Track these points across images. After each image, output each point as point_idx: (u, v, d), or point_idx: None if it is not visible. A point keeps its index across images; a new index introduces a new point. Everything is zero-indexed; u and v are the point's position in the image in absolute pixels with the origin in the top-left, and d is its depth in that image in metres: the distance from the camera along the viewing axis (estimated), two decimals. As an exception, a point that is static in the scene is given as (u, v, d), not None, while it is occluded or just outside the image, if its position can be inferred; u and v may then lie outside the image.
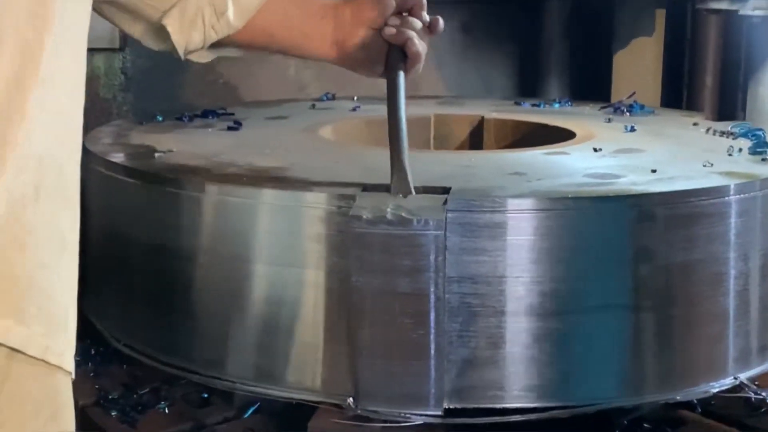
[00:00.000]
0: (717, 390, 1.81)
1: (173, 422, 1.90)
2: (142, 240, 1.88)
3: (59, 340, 1.28)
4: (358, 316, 1.66)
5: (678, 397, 1.77)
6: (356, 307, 1.66)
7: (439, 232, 1.61)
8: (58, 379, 1.25)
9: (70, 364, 1.26)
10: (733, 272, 1.78)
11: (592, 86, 3.23)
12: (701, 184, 1.76)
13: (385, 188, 1.71)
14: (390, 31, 1.80)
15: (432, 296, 1.63)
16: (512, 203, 1.66)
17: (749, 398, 1.99)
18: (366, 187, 1.71)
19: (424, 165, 2.00)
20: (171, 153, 2.01)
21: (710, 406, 1.99)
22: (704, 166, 1.91)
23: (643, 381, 1.76)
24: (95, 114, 2.87)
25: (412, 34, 1.79)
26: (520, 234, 1.66)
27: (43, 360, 1.23)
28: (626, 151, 2.07)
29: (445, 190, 1.70)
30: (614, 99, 2.97)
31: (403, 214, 1.62)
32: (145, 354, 1.94)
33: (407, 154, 1.70)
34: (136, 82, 2.92)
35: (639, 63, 3.19)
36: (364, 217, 1.62)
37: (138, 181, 1.88)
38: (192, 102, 3.03)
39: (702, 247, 1.74)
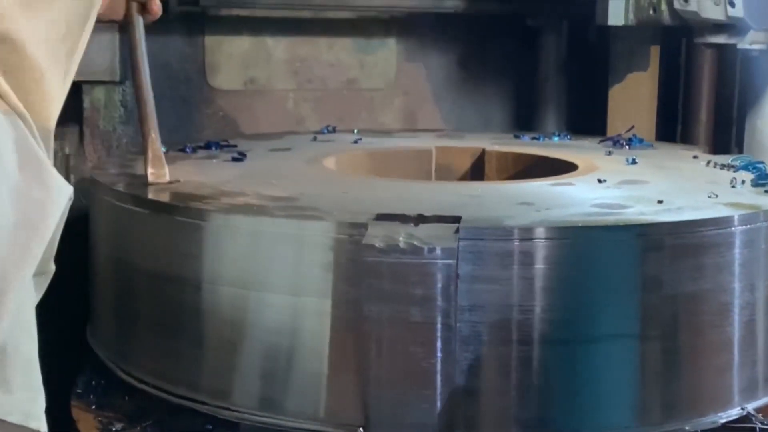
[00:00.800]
0: (724, 420, 1.81)
1: (178, 455, 1.89)
2: (151, 269, 1.88)
3: (38, 404, 1.28)
4: (369, 345, 1.66)
5: (687, 428, 1.77)
6: (367, 336, 1.66)
7: (451, 261, 1.62)
8: None
9: (45, 426, 1.27)
10: (739, 302, 1.79)
11: (587, 120, 3.25)
12: (709, 214, 1.78)
13: (396, 218, 1.72)
14: None
15: (444, 325, 1.64)
16: (523, 232, 1.67)
17: (754, 429, 2.02)
18: (378, 216, 1.71)
19: (432, 195, 2.02)
20: (178, 183, 2.02)
21: (718, 438, 2.01)
22: (709, 197, 1.93)
23: (650, 411, 1.76)
24: (94, 146, 2.88)
25: None
26: (531, 263, 1.67)
27: (23, 426, 1.23)
28: (630, 183, 2.09)
29: (456, 219, 1.71)
30: (610, 133, 2.99)
31: (416, 243, 1.62)
32: (150, 383, 1.92)
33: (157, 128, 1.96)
34: (136, 116, 2.92)
35: (634, 98, 3.22)
36: (377, 245, 1.63)
37: (147, 211, 1.88)
38: (192, 134, 3.04)
39: (709, 276, 1.75)
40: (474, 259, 1.65)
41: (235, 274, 1.76)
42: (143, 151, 2.02)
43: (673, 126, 3.30)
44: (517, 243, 1.66)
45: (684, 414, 1.78)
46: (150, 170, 1.98)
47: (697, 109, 3.20)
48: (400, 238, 1.64)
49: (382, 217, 1.72)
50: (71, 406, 2.12)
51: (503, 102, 3.41)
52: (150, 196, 1.90)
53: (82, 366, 2.31)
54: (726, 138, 3.19)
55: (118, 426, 2.01)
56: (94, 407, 2.10)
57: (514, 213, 1.81)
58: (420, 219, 1.73)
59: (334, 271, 1.70)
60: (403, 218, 1.72)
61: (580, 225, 1.70)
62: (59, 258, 2.73)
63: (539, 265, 1.67)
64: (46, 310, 2.68)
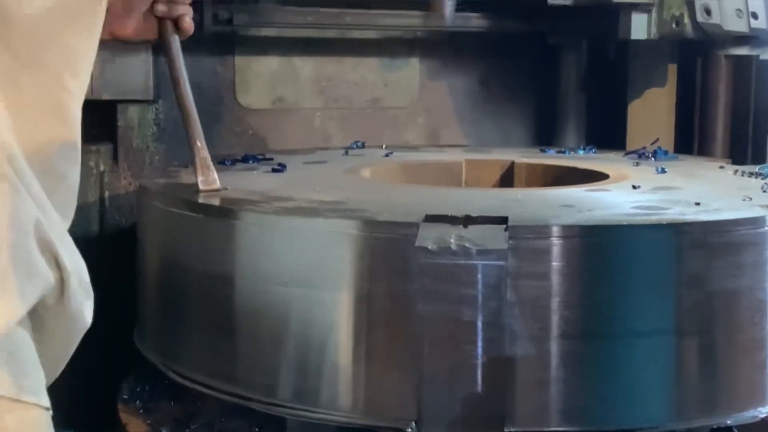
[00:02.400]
0: (765, 415, 1.86)
1: (228, 453, 1.94)
2: (205, 271, 1.93)
3: (32, 378, 1.29)
4: (422, 344, 1.71)
5: (729, 422, 1.82)
6: (420, 335, 1.71)
7: (502, 262, 1.67)
8: (33, 414, 1.27)
9: (46, 401, 1.28)
10: (777, 300, 1.85)
11: (607, 136, 3.32)
12: (747, 214, 1.84)
13: (444, 219, 1.77)
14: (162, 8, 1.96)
15: (495, 324, 1.69)
16: (573, 230, 1.72)
17: (789, 428, 2.06)
18: (427, 217, 1.77)
19: (474, 199, 2.07)
20: (227, 190, 2.07)
21: (751, 436, 2.05)
22: (743, 200, 1.99)
23: (690, 405, 1.81)
24: (129, 164, 2.94)
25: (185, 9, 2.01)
26: (577, 260, 1.73)
27: (18, 400, 1.24)
28: (665, 189, 2.15)
29: (503, 220, 1.77)
30: (629, 148, 3.06)
31: (467, 245, 1.67)
32: (200, 382, 1.97)
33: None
34: (169, 133, 2.98)
35: (652, 113, 3.29)
36: (430, 248, 1.68)
37: (200, 215, 1.93)
38: (222, 152, 3.11)
39: (747, 274, 1.81)
40: (521, 256, 1.70)
41: (289, 273, 1.81)
42: (191, 160, 2.08)
43: (690, 140, 3.37)
44: (565, 240, 1.72)
45: (723, 409, 1.83)
46: (200, 177, 2.04)
47: (713, 124, 3.27)
48: (452, 240, 1.69)
49: (431, 218, 1.78)
50: (118, 410, 2.17)
51: (524, 119, 3.48)
52: (202, 200, 1.96)
53: (127, 373, 2.36)
54: (742, 152, 3.26)
55: (167, 428, 2.06)
56: (141, 411, 2.16)
57: (559, 213, 1.87)
58: (468, 220, 1.79)
59: (387, 271, 1.75)
60: (451, 219, 1.78)
61: (626, 223, 1.76)
62: (102, 271, 2.80)
63: (585, 262, 1.73)
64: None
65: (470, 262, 1.67)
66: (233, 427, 2.05)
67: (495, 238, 1.70)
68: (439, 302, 1.69)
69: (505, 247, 1.67)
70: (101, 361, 2.67)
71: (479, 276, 1.68)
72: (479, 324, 1.69)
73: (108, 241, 2.86)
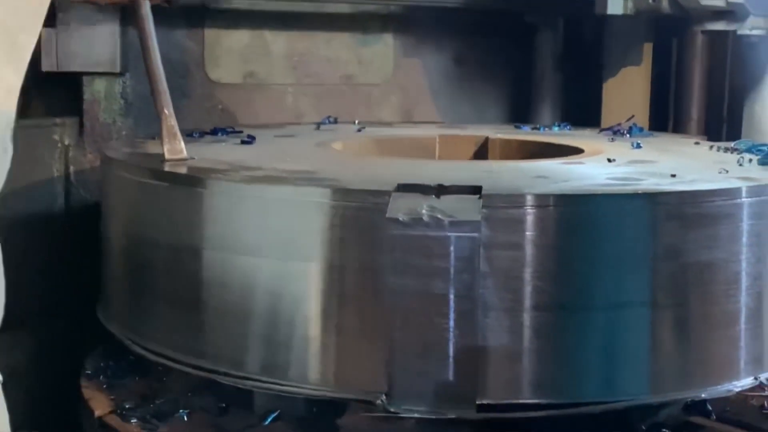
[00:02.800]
0: (739, 389, 1.84)
1: (195, 429, 1.88)
2: (171, 242, 1.88)
3: None
4: (393, 317, 1.67)
5: (703, 395, 1.80)
6: (391, 308, 1.67)
7: (475, 234, 1.63)
8: None
9: None
10: (752, 273, 1.82)
11: (582, 114, 3.30)
12: (723, 185, 1.81)
13: (417, 188, 1.73)
14: None
15: (468, 297, 1.65)
16: (547, 199, 1.68)
17: (762, 405, 2.05)
18: (399, 186, 1.73)
19: (448, 171, 2.03)
20: (194, 160, 2.02)
21: (725, 413, 2.03)
22: (720, 173, 1.96)
23: (665, 379, 1.79)
24: (94, 138, 2.87)
25: None
26: (551, 230, 1.69)
27: None
28: (640, 162, 2.12)
29: (476, 190, 1.73)
30: (604, 126, 3.04)
31: (439, 216, 1.64)
32: (165, 356, 1.92)
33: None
34: (136, 108, 2.92)
35: (628, 92, 3.27)
36: (401, 219, 1.64)
37: (165, 184, 1.88)
38: (191, 128, 3.05)
39: (723, 247, 1.78)
40: (494, 227, 1.66)
41: (257, 243, 1.76)
42: (159, 130, 2.03)
43: (665, 119, 3.36)
44: (539, 210, 1.68)
45: (697, 383, 1.81)
46: (166, 146, 1.99)
47: (688, 102, 3.25)
48: (423, 211, 1.65)
49: (403, 188, 1.74)
50: (81, 387, 2.11)
51: (499, 98, 3.45)
52: (168, 169, 1.90)
53: (90, 350, 2.31)
54: (717, 130, 3.25)
55: (132, 404, 2.01)
56: (105, 387, 2.10)
57: (533, 184, 1.84)
58: (441, 189, 1.75)
59: (358, 241, 1.71)
60: (424, 189, 1.74)
61: (601, 193, 1.73)
62: (67, 248, 2.74)
63: (559, 233, 1.69)
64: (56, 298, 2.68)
65: (442, 233, 1.63)
66: (200, 403, 2.00)
67: (468, 208, 1.66)
68: (410, 275, 1.65)
69: (479, 218, 1.64)
70: (66, 338, 2.62)
71: (452, 248, 1.64)
72: (451, 297, 1.65)
73: (73, 218, 2.80)
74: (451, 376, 1.67)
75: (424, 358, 1.67)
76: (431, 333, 1.66)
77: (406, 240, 1.64)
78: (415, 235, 1.63)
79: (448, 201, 1.69)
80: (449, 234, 1.64)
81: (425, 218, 1.64)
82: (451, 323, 1.66)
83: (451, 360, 1.67)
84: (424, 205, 1.66)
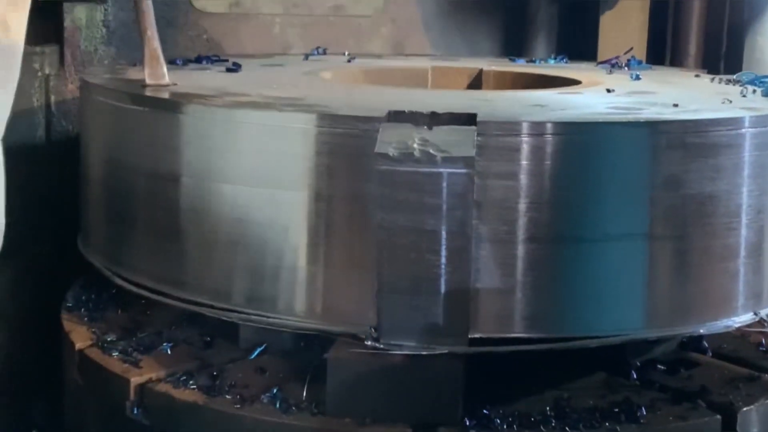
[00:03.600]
0: (738, 325, 1.80)
1: (178, 362, 1.84)
2: (151, 169, 1.81)
3: None
4: (382, 253, 1.60)
5: (701, 331, 1.76)
6: (380, 243, 1.60)
7: (468, 170, 1.55)
8: None
9: None
10: (754, 206, 1.77)
11: (578, 49, 3.22)
12: (727, 114, 1.74)
13: (408, 116, 1.65)
14: None
15: (461, 233, 1.58)
16: (542, 127, 1.61)
17: (759, 342, 2.01)
18: (390, 114, 1.65)
19: (442, 99, 1.96)
20: (176, 86, 1.94)
21: (721, 349, 1.99)
22: (723, 103, 1.90)
23: (662, 314, 1.73)
24: (75, 67, 2.78)
25: None
26: (548, 159, 1.62)
27: None
28: (640, 93, 2.05)
29: (471, 117, 1.66)
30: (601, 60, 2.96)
31: (431, 151, 1.55)
32: (147, 287, 1.86)
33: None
34: (118, 36, 2.82)
35: (625, 26, 3.18)
36: (390, 154, 1.55)
37: (146, 109, 1.80)
38: (174, 57, 2.95)
39: (726, 178, 1.72)
40: (489, 155, 1.60)
41: (241, 171, 1.69)
42: (141, 50, 1.94)
43: (662, 55, 3.28)
44: (536, 138, 1.61)
45: (695, 318, 1.76)
46: (148, 70, 1.90)
47: (686, 37, 3.19)
48: (415, 145, 1.57)
49: (394, 115, 1.66)
50: (62, 319, 2.05)
51: (493, 31, 3.35)
52: (149, 94, 1.82)
53: (71, 282, 2.25)
54: (715, 67, 3.17)
55: (113, 337, 1.95)
56: (86, 320, 2.05)
57: (530, 112, 1.76)
58: (433, 117, 1.67)
59: (347, 169, 1.64)
60: (415, 117, 1.66)
61: (601, 121, 1.65)
62: (49, 180, 2.65)
63: (559, 161, 1.62)
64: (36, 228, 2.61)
65: (434, 170, 1.55)
66: (183, 336, 1.95)
67: (462, 143, 1.58)
68: (400, 211, 1.57)
69: (473, 154, 1.56)
70: (47, 270, 2.56)
71: (444, 185, 1.55)
72: (443, 234, 1.58)
73: (54, 149, 2.72)
74: (441, 311, 1.61)
75: (415, 293, 1.61)
76: (422, 269, 1.59)
77: (396, 176, 1.55)
78: (405, 171, 1.55)
79: (440, 134, 1.61)
80: (441, 170, 1.55)
81: (416, 153, 1.55)
82: (443, 260, 1.59)
83: (442, 296, 1.61)
84: (415, 139, 1.58)
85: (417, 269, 1.59)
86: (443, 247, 1.59)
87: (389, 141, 1.57)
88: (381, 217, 1.58)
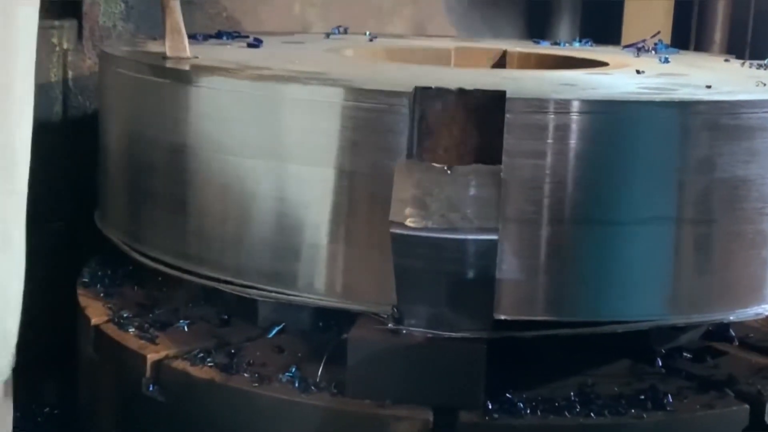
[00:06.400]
0: (769, 313, 1.76)
1: (195, 339, 1.81)
2: (171, 142, 1.78)
3: None
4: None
5: (731, 317, 1.71)
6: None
7: (492, 236, 1.50)
8: None
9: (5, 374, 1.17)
10: (787, 191, 1.72)
11: (601, 33, 3.16)
12: (763, 96, 1.70)
13: (435, 92, 1.61)
14: None
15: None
16: (571, 105, 1.57)
17: (784, 331, 1.96)
18: (416, 89, 1.60)
19: (468, 77, 1.91)
20: (197, 59, 1.90)
21: (748, 339, 1.95)
22: (756, 85, 1.85)
23: (690, 300, 1.69)
24: (93, 42, 2.75)
25: None
26: (577, 138, 1.58)
27: None
28: (671, 75, 2.00)
29: (501, 95, 1.61)
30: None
31: (452, 219, 1.48)
32: (165, 263, 1.83)
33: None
34: (137, 12, 2.78)
35: (650, 11, 3.14)
36: (407, 224, 1.48)
37: (167, 80, 1.77)
38: (194, 34, 2.92)
39: (760, 162, 1.67)
40: (517, 133, 1.55)
41: (265, 146, 1.66)
42: (161, 23, 1.90)
43: (686, 41, 3.22)
44: (565, 116, 1.57)
45: (725, 305, 1.72)
46: (168, 43, 1.87)
47: (712, 23, 3.14)
48: (433, 209, 1.48)
49: (421, 91, 1.62)
50: (78, 294, 2.03)
51: (515, 14, 3.31)
52: (170, 65, 1.79)
53: (87, 257, 2.22)
54: (740, 55, 3.12)
55: (130, 313, 1.93)
56: (102, 295, 2.02)
57: (559, 91, 1.72)
58: (462, 93, 1.63)
59: (371, 145, 1.60)
60: (443, 92, 1.62)
61: (633, 100, 1.61)
62: (65, 156, 2.63)
63: (588, 142, 1.58)
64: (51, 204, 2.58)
65: (456, 236, 1.48)
66: (200, 313, 1.92)
67: (485, 205, 1.49)
68: (418, 258, 1.51)
69: (497, 224, 1.49)
70: (63, 245, 2.54)
71: (466, 248, 1.50)
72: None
73: (71, 125, 2.69)
74: (465, 291, 1.58)
75: (438, 273, 1.57)
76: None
77: (412, 239, 1.48)
78: (423, 237, 1.48)
79: (461, 189, 1.49)
80: (463, 237, 1.49)
81: (434, 223, 1.48)
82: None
83: (466, 275, 1.57)
84: (434, 200, 1.48)
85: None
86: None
87: (404, 200, 1.49)
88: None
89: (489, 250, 1.51)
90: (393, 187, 1.51)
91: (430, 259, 1.52)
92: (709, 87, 1.78)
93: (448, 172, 1.51)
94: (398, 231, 1.49)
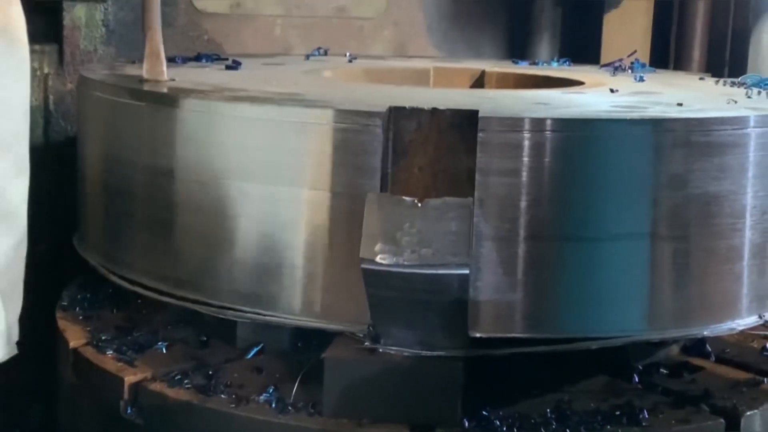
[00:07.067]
0: (742, 328, 1.77)
1: (174, 361, 1.81)
2: (149, 164, 1.78)
3: None
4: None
5: (705, 332, 1.73)
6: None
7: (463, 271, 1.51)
8: None
9: None
10: (760, 206, 1.74)
11: (581, 52, 3.20)
12: (733, 113, 1.72)
13: (409, 112, 1.62)
14: None
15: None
16: (544, 124, 1.59)
17: (764, 347, 1.98)
18: (390, 109, 1.62)
19: (444, 97, 1.93)
20: (173, 81, 1.92)
21: (724, 354, 1.96)
22: (728, 103, 1.87)
23: (665, 316, 1.70)
24: (74, 66, 2.76)
25: None
26: (550, 156, 1.60)
27: None
28: (644, 93, 2.03)
29: (473, 114, 1.63)
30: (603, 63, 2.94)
31: (422, 253, 1.48)
32: (143, 285, 1.83)
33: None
34: (118, 36, 2.80)
35: (628, 31, 3.17)
36: (378, 261, 1.48)
37: (144, 103, 1.78)
38: (173, 56, 2.94)
39: (731, 178, 1.69)
40: (491, 152, 1.57)
41: (241, 167, 1.67)
42: (142, 46, 1.91)
43: (665, 60, 3.26)
44: (538, 135, 1.59)
45: (699, 320, 1.73)
46: (146, 66, 1.88)
47: (690, 41, 3.16)
48: (404, 244, 1.48)
49: (395, 111, 1.63)
50: (57, 318, 2.03)
51: (496, 34, 3.34)
52: (147, 88, 1.80)
53: (68, 280, 2.22)
54: (719, 72, 3.15)
55: (108, 336, 1.93)
56: (81, 318, 2.02)
57: (533, 110, 1.74)
58: (435, 113, 1.65)
59: (348, 165, 1.61)
60: (416, 112, 1.63)
61: (605, 118, 1.63)
62: (46, 180, 2.63)
63: (560, 160, 1.60)
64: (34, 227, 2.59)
65: (427, 272, 1.48)
66: (179, 335, 1.92)
67: (456, 241, 1.49)
68: (391, 289, 1.52)
69: (468, 260, 1.49)
70: (45, 268, 2.54)
71: (438, 282, 1.49)
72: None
73: (52, 149, 2.70)
74: (441, 311, 1.59)
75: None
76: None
77: (384, 275, 1.48)
78: (394, 272, 1.48)
79: (430, 224, 1.49)
80: (434, 272, 1.49)
81: (405, 259, 1.47)
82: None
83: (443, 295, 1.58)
84: (404, 235, 1.48)
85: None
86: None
87: (374, 235, 1.49)
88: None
89: (461, 283, 1.52)
90: (363, 220, 1.50)
91: (403, 290, 1.52)
92: (680, 105, 1.80)
93: (419, 205, 1.52)
94: (369, 267, 1.49)
